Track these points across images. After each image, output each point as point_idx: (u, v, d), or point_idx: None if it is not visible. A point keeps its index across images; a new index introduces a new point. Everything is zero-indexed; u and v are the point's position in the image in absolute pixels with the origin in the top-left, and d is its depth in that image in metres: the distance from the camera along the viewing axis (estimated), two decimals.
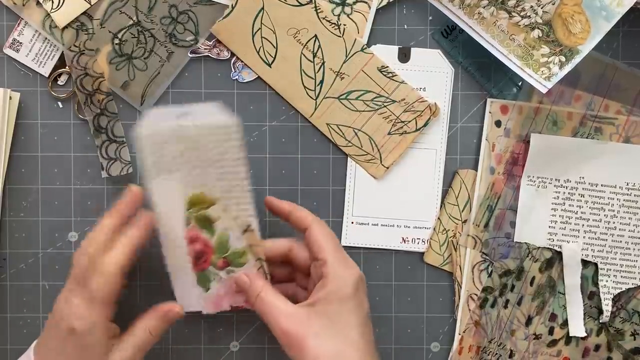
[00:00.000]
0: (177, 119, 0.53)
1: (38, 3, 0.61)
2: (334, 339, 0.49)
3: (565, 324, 0.64)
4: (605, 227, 0.63)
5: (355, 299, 0.51)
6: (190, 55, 0.63)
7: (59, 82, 0.63)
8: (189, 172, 0.53)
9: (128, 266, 0.52)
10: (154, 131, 0.53)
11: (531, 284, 0.64)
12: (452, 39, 0.63)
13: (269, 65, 0.63)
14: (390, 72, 0.63)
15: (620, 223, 0.63)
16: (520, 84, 0.63)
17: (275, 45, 0.62)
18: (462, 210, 0.64)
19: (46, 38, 0.62)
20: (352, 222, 0.64)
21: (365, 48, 0.62)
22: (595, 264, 0.63)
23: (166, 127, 0.53)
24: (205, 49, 0.63)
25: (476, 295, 0.64)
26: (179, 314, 0.54)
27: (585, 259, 0.63)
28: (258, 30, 0.62)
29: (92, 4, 0.61)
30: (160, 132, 0.53)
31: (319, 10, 0.62)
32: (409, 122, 0.63)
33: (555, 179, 0.63)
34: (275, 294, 0.52)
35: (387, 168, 0.63)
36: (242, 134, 0.54)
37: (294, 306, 0.51)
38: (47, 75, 0.62)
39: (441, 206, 0.64)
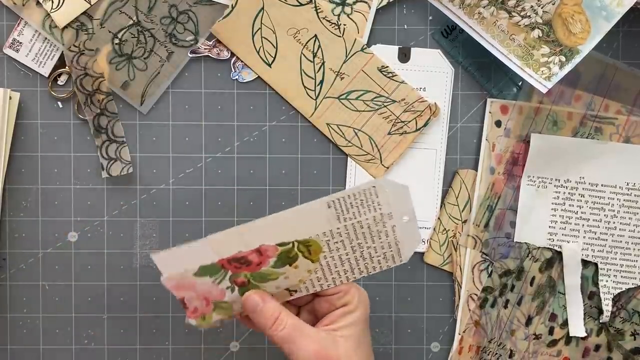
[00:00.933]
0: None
1: (38, 3, 0.61)
2: (363, 357, 0.51)
3: (565, 324, 0.64)
4: (606, 227, 0.63)
5: (368, 318, 0.53)
6: (190, 55, 0.63)
7: (59, 82, 0.63)
8: (345, 233, 0.50)
9: None
10: None
11: (531, 284, 0.64)
12: (452, 39, 0.63)
13: (269, 65, 0.63)
14: (390, 72, 0.63)
15: (621, 223, 0.63)
16: (520, 84, 0.63)
17: (275, 45, 0.62)
18: (462, 210, 0.64)
19: (46, 38, 0.62)
20: None
21: (365, 48, 0.62)
22: (596, 264, 0.63)
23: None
24: (205, 49, 0.63)
25: (476, 295, 0.64)
26: None
27: (586, 259, 0.63)
28: (258, 30, 0.62)
29: (92, 4, 0.61)
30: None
31: (319, 10, 0.62)
32: (409, 122, 0.63)
33: (556, 179, 0.63)
34: (295, 317, 0.51)
35: (387, 168, 0.63)
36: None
37: (319, 329, 0.51)
38: (47, 75, 0.62)
39: (441, 206, 0.64)
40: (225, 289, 0.51)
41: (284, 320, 0.50)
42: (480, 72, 0.63)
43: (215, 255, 0.50)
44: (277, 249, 0.50)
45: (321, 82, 0.63)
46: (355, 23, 0.63)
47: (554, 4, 0.59)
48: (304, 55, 0.62)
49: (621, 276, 0.63)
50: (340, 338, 0.50)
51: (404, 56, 0.63)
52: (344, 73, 0.63)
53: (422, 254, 0.64)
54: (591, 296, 0.64)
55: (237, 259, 0.50)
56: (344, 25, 0.62)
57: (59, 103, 0.63)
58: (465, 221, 0.64)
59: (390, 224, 0.50)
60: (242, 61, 0.63)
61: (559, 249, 0.63)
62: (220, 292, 0.51)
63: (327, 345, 0.50)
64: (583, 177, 0.63)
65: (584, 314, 0.64)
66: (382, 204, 0.50)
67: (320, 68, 0.63)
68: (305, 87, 0.63)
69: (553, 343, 0.64)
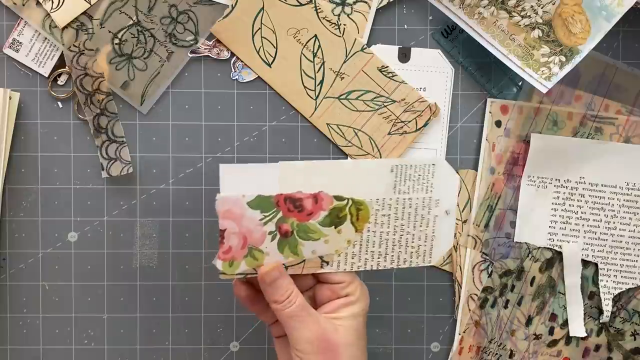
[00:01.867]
0: None
1: (38, 3, 0.61)
2: (360, 351, 0.52)
3: (565, 324, 0.64)
4: (606, 227, 0.63)
5: (367, 314, 0.54)
6: (190, 55, 0.63)
7: (58, 82, 0.63)
8: (394, 208, 0.51)
9: None
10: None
11: (531, 284, 0.64)
12: (452, 39, 0.63)
13: (269, 65, 0.63)
14: (390, 72, 0.63)
15: (621, 223, 0.63)
16: (520, 84, 0.63)
17: (275, 45, 0.62)
18: (462, 210, 0.64)
19: (46, 38, 0.62)
20: None
21: (365, 48, 0.62)
22: (596, 264, 0.63)
23: None
24: (205, 49, 0.63)
25: (476, 295, 0.64)
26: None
27: (586, 259, 0.63)
28: (258, 30, 0.62)
29: (92, 4, 0.61)
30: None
31: (319, 10, 0.62)
32: (409, 122, 0.63)
33: (556, 179, 0.63)
34: (303, 297, 0.52)
35: None
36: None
37: (321, 315, 0.51)
38: (47, 75, 0.62)
39: None
40: (267, 233, 0.50)
41: (295, 297, 0.50)
42: (480, 72, 0.63)
43: (276, 186, 0.49)
44: (332, 202, 0.50)
45: (321, 82, 0.63)
46: (355, 23, 0.62)
47: (554, 4, 0.59)
48: (304, 55, 0.62)
49: (621, 276, 0.63)
50: (340, 327, 0.51)
51: (404, 56, 0.63)
52: (344, 73, 0.63)
53: None
54: (591, 296, 0.64)
55: (293, 199, 0.49)
56: (344, 25, 0.62)
57: (59, 103, 0.63)
58: (465, 221, 0.64)
59: (433, 213, 0.51)
60: (242, 61, 0.63)
61: (559, 249, 0.63)
62: (261, 236, 0.50)
63: (329, 330, 0.50)
64: (583, 177, 0.63)
65: (584, 314, 0.64)
66: (434, 186, 0.51)
67: (320, 68, 0.63)
68: (305, 87, 0.63)
69: (553, 343, 0.64)
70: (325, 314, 0.52)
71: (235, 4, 0.62)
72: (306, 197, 0.49)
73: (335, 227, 0.51)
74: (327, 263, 0.52)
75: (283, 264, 0.51)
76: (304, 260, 0.51)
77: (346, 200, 0.50)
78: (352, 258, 0.52)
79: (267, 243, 0.50)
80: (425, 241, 0.52)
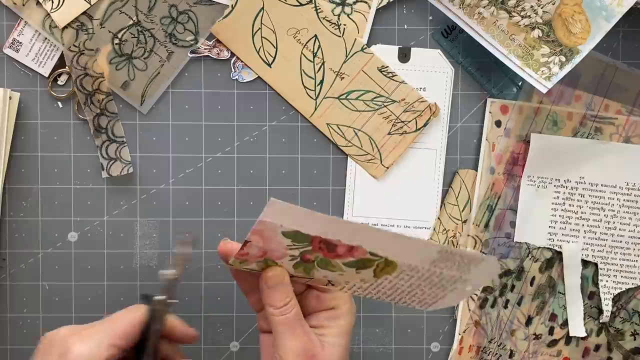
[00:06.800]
0: None
1: (38, 3, 0.61)
2: None
3: (565, 324, 0.64)
4: (606, 227, 0.63)
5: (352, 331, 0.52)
6: (190, 55, 0.63)
7: (58, 82, 0.63)
8: (423, 276, 0.49)
9: None
10: None
11: (531, 284, 0.64)
12: (452, 39, 0.63)
13: (269, 65, 0.63)
14: (390, 72, 0.63)
15: (621, 223, 0.63)
16: (520, 84, 0.63)
17: (275, 45, 0.62)
18: (462, 210, 0.64)
19: (46, 38, 0.62)
20: None
21: (365, 48, 0.62)
22: (596, 264, 0.63)
23: None
24: (205, 49, 0.63)
25: (476, 295, 0.64)
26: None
27: (586, 259, 0.63)
28: (258, 30, 0.62)
29: (92, 4, 0.61)
30: None
31: (319, 10, 0.62)
32: (409, 122, 0.63)
33: (556, 179, 0.63)
34: (299, 307, 0.51)
35: (387, 168, 0.63)
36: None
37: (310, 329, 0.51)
38: (47, 75, 0.62)
39: (441, 206, 0.64)
40: (289, 256, 0.49)
41: (292, 307, 0.50)
42: (480, 72, 0.63)
43: (319, 232, 0.47)
44: (366, 254, 0.48)
45: (321, 82, 0.63)
46: (355, 23, 0.62)
47: (554, 4, 0.59)
48: (304, 55, 0.62)
49: (621, 276, 0.63)
50: (326, 344, 0.50)
51: (404, 56, 0.63)
52: (344, 73, 0.63)
53: None
54: (591, 296, 0.64)
55: (329, 243, 0.48)
56: (344, 25, 0.62)
57: (59, 103, 0.63)
58: (465, 221, 0.64)
59: (456, 286, 0.49)
60: (242, 61, 0.63)
61: (559, 249, 0.63)
62: (281, 255, 0.49)
63: (316, 345, 0.49)
64: (583, 177, 0.63)
65: (584, 314, 0.64)
66: (471, 271, 0.49)
67: (320, 68, 0.63)
68: (305, 87, 0.63)
69: (553, 343, 0.64)
70: (310, 327, 0.50)
71: (235, 4, 0.62)
72: (342, 245, 0.48)
73: (357, 270, 0.50)
74: (334, 285, 0.51)
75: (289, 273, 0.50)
76: (312, 278, 0.51)
77: (379, 258, 0.49)
78: (359, 289, 0.51)
79: (284, 261, 0.50)
80: (432, 298, 0.51)
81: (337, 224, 0.47)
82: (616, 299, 0.64)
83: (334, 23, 0.62)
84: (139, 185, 0.63)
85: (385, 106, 0.63)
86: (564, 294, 0.64)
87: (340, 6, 0.62)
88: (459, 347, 0.64)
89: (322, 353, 0.49)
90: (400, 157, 0.63)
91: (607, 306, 0.63)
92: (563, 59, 0.59)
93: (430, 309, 0.51)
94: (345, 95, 0.63)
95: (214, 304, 0.64)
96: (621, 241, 0.63)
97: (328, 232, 0.47)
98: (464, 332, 0.64)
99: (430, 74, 0.63)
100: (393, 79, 0.63)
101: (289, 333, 0.49)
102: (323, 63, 0.63)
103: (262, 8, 0.62)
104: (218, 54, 0.63)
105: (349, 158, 0.64)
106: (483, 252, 0.63)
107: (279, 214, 0.47)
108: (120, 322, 0.48)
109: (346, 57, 0.62)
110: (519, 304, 0.64)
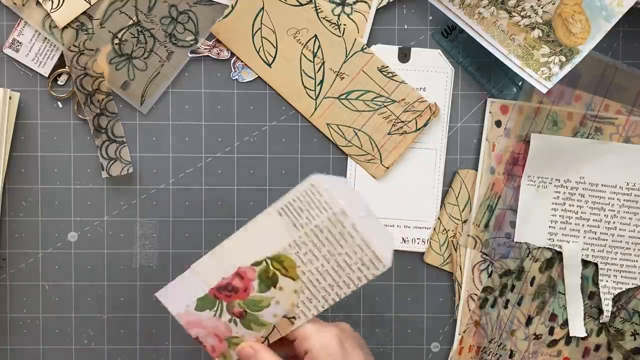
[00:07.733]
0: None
1: (38, 3, 0.61)
2: None
3: (565, 324, 0.64)
4: (606, 227, 0.63)
5: (342, 352, 0.50)
6: (190, 55, 0.63)
7: (58, 82, 0.63)
8: (310, 242, 0.49)
9: None
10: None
11: (531, 284, 0.64)
12: (452, 39, 0.63)
13: (269, 65, 0.63)
14: (390, 72, 0.63)
15: (621, 223, 0.63)
16: (520, 84, 0.63)
17: (275, 45, 0.62)
18: (462, 210, 0.64)
19: (46, 38, 0.62)
20: None
21: (365, 48, 0.62)
22: (596, 264, 0.63)
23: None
24: (205, 49, 0.63)
25: (476, 295, 0.64)
26: None
27: (586, 259, 0.63)
28: (258, 30, 0.62)
29: (92, 4, 0.61)
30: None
31: (319, 10, 0.62)
32: (409, 122, 0.63)
33: (556, 179, 0.63)
34: None
35: (387, 168, 0.63)
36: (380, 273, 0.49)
37: None
38: (47, 75, 0.62)
39: (441, 206, 0.64)
40: (228, 322, 0.51)
41: None
42: (480, 72, 0.63)
43: (205, 285, 0.51)
44: (255, 270, 0.50)
45: (321, 82, 0.63)
46: (355, 23, 0.63)
47: (554, 4, 0.59)
48: (304, 55, 0.62)
49: (621, 276, 0.63)
50: None
51: (404, 56, 0.63)
52: (344, 73, 0.63)
53: (422, 254, 0.64)
54: (591, 296, 0.64)
55: (223, 287, 0.51)
56: (344, 25, 0.62)
57: (59, 103, 0.63)
58: (465, 221, 0.64)
59: (348, 223, 0.48)
60: (242, 61, 0.63)
61: (559, 249, 0.63)
62: (225, 327, 0.51)
63: None
64: (583, 177, 0.63)
65: (584, 314, 0.64)
66: (329, 202, 0.48)
67: (320, 68, 0.63)
68: (305, 87, 0.63)
69: (553, 343, 0.64)
70: None
71: (235, 4, 0.62)
72: (231, 279, 0.50)
73: (275, 287, 0.50)
74: (294, 318, 0.51)
75: (262, 337, 0.51)
76: (274, 326, 0.51)
77: (264, 262, 0.50)
78: (311, 302, 0.50)
79: (234, 329, 0.51)
80: (362, 251, 0.49)
81: (203, 264, 0.51)
82: (616, 299, 0.64)
83: (334, 23, 0.62)
84: (139, 185, 0.63)
85: (385, 106, 0.63)
86: (564, 294, 0.64)
87: (340, 6, 0.62)
88: (459, 347, 0.64)
89: None
90: (400, 157, 0.63)
91: (607, 306, 0.63)
92: (563, 59, 0.59)
93: (385, 259, 0.49)
94: (345, 95, 0.63)
95: None
96: (621, 241, 0.63)
97: (208, 279, 0.51)
98: (464, 332, 0.64)
99: (430, 74, 0.63)
100: (393, 79, 0.63)
101: None
102: (323, 63, 0.63)
103: (262, 8, 0.62)
104: (218, 54, 0.63)
105: (349, 158, 0.64)
106: (483, 252, 0.63)
107: (172, 300, 0.51)
108: None
109: (346, 57, 0.62)
110: (519, 304, 0.64)
